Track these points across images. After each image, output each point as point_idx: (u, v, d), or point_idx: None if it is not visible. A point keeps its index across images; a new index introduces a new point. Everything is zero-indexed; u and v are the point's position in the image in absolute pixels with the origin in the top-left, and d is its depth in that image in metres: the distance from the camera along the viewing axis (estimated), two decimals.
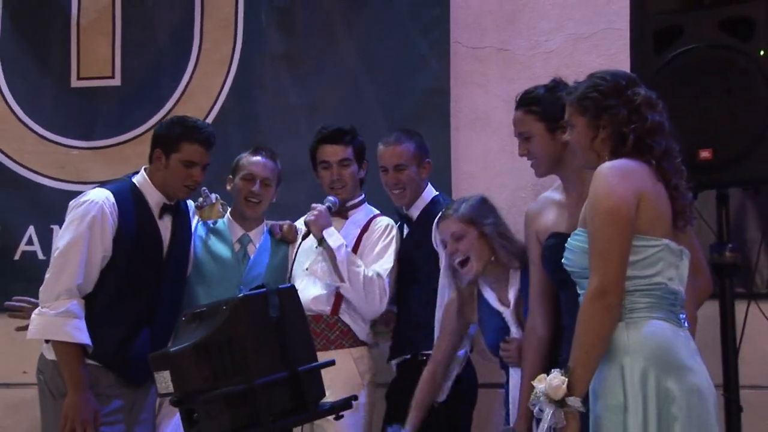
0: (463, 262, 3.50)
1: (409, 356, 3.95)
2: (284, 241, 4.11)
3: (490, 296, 3.56)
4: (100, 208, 3.65)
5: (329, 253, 3.84)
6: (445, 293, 3.69)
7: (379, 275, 3.87)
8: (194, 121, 3.95)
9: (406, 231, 4.10)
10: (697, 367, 2.69)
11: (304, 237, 3.92)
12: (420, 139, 4.08)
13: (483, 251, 3.49)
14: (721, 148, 3.46)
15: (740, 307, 3.70)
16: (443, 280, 3.67)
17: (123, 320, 3.71)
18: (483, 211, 3.53)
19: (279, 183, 4.10)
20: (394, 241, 3.97)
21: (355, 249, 3.96)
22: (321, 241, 3.85)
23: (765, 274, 4.24)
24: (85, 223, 3.63)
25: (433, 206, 3.99)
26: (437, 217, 3.73)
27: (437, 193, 4.10)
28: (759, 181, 3.68)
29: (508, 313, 3.51)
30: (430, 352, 3.76)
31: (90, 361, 3.65)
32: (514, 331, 3.48)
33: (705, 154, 3.43)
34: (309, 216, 3.87)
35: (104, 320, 3.67)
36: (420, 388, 3.61)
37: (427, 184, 4.09)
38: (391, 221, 4.05)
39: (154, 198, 3.82)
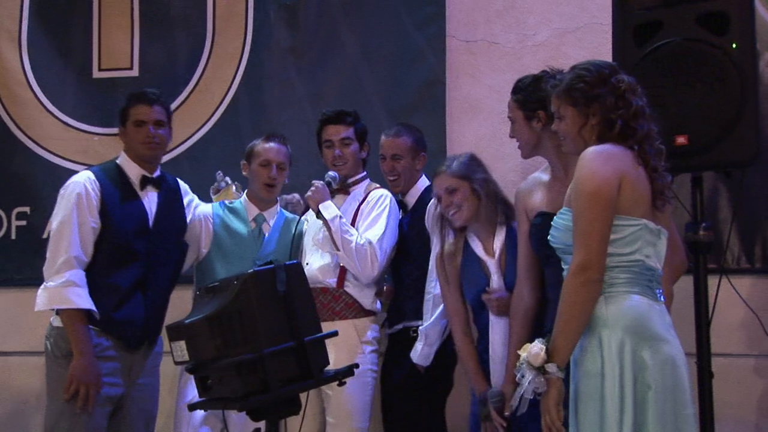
0: (456, 213, 3.54)
1: (401, 327, 3.97)
2: (294, 212, 4.13)
3: (476, 246, 3.59)
4: (83, 186, 3.72)
5: (325, 225, 3.86)
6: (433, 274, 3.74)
7: (370, 242, 3.86)
8: (142, 89, 4.04)
9: (402, 215, 4.11)
10: (670, 339, 2.70)
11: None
12: (419, 135, 4.11)
13: (473, 202, 3.52)
14: (696, 134, 3.45)
15: (712, 281, 3.70)
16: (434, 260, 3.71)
17: (116, 286, 3.73)
18: (473, 167, 3.59)
19: (290, 165, 4.12)
20: (387, 209, 3.96)
21: (353, 220, 3.97)
22: (319, 214, 3.86)
23: (735, 251, 4.24)
24: (72, 202, 3.69)
25: (426, 194, 4.01)
26: (429, 204, 3.82)
27: (429, 182, 4.08)
28: (731, 166, 3.67)
29: (491, 263, 3.53)
30: (420, 323, 3.78)
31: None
32: (495, 280, 3.51)
33: (681, 140, 3.42)
34: (308, 192, 3.89)
35: (99, 287, 3.70)
36: (461, 348, 3.60)
37: (422, 175, 4.11)
38: (386, 192, 4.04)
39: (133, 172, 3.85)
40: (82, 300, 3.62)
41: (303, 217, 4.11)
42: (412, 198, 4.08)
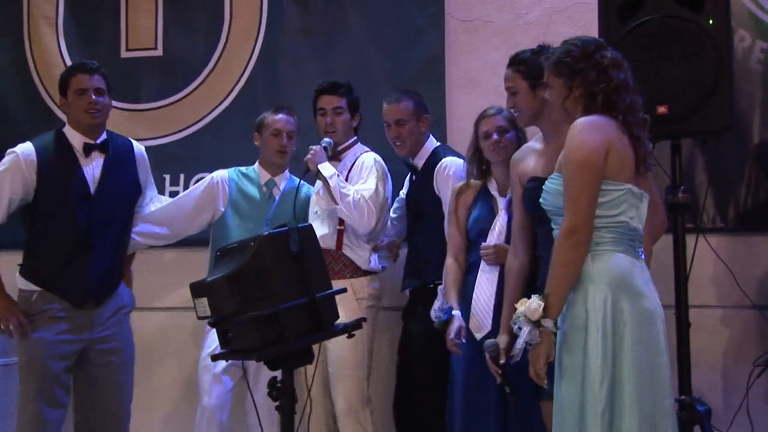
0: (503, 149, 3.55)
1: (418, 284, 3.94)
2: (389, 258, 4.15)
3: (492, 187, 3.61)
4: (17, 159, 3.67)
5: (324, 183, 3.85)
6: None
7: (364, 197, 3.84)
8: (81, 61, 4.03)
9: (413, 178, 4.08)
10: (649, 294, 2.70)
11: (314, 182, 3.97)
12: (419, 98, 4.06)
13: (513, 147, 3.51)
14: (675, 104, 3.44)
15: (690, 239, 3.68)
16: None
17: (59, 248, 3.69)
18: (515, 121, 3.57)
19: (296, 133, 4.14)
20: (372, 169, 3.94)
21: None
22: (318, 174, 3.85)
23: (711, 212, 4.21)
24: (1, 172, 3.67)
25: (434, 156, 3.97)
26: (437, 165, 3.83)
27: (438, 143, 4.07)
28: (707, 133, 3.68)
29: (501, 201, 3.55)
30: (438, 281, 3.75)
31: (36, 288, 3.67)
32: (501, 216, 3.52)
33: (662, 109, 3.41)
34: (307, 156, 3.88)
35: (43, 249, 3.69)
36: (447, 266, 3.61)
37: (429, 137, 4.06)
38: (372, 156, 4.02)
39: (76, 139, 3.77)
40: None
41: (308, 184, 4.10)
42: (420, 160, 4.01)
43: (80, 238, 3.69)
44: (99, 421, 3.75)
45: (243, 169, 4.19)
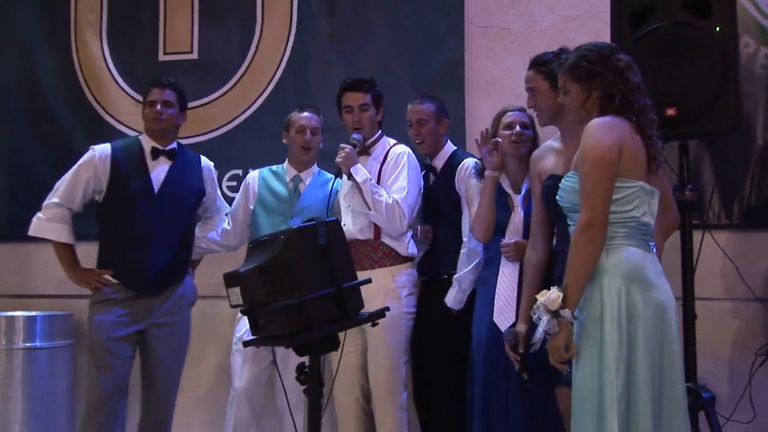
0: (522, 143, 3.56)
1: (434, 275, 3.93)
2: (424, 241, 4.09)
3: (506, 184, 3.60)
4: (94, 156, 3.87)
5: (357, 187, 3.82)
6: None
7: (397, 202, 3.82)
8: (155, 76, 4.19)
9: (432, 179, 4.06)
10: (661, 285, 2.68)
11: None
12: (441, 103, 4.05)
13: (530, 144, 3.56)
14: (683, 107, 3.42)
15: (696, 235, 3.67)
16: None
17: (123, 241, 3.83)
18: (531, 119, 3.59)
19: (322, 131, 4.14)
20: (406, 165, 3.91)
21: (378, 180, 3.92)
22: (350, 176, 3.83)
23: (716, 209, 4.17)
24: (79, 163, 3.88)
25: (453, 158, 3.97)
26: (459, 165, 3.83)
27: (455, 147, 4.06)
28: (714, 134, 3.66)
29: (516, 197, 3.54)
30: (453, 271, 3.74)
31: (110, 278, 3.80)
32: (518, 212, 3.52)
33: (670, 111, 3.38)
34: (338, 158, 3.84)
35: (110, 241, 3.85)
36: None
37: (447, 140, 4.05)
38: (404, 149, 3.98)
39: (148, 145, 3.92)
40: (60, 234, 3.82)
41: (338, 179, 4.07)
42: (439, 161, 4.00)
43: (142, 233, 3.81)
44: (151, 399, 3.88)
45: (274, 167, 4.19)
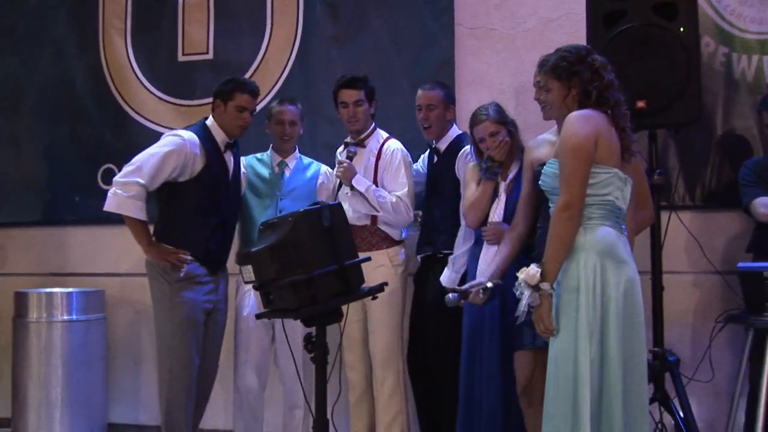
0: (498, 151, 3.45)
1: (430, 252, 3.87)
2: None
3: None
4: (185, 144, 3.63)
5: (362, 196, 3.79)
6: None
7: (399, 198, 3.79)
8: (243, 79, 3.97)
9: (435, 159, 3.96)
10: (630, 262, 2.68)
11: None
12: (449, 90, 3.98)
13: (508, 141, 3.46)
14: (652, 99, 3.41)
15: (664, 215, 3.66)
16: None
17: (206, 226, 3.70)
18: (503, 113, 3.50)
19: (303, 119, 4.07)
20: (401, 162, 3.87)
21: (375, 173, 3.88)
22: (352, 188, 3.79)
23: (681, 191, 4.13)
24: (168, 146, 3.62)
25: (457, 141, 3.88)
26: (460, 151, 3.73)
27: (461, 131, 3.96)
28: (679, 124, 3.64)
29: (503, 185, 3.47)
30: (448, 251, 3.69)
31: (190, 257, 3.66)
32: (502, 198, 3.44)
33: (641, 104, 3.37)
34: (337, 171, 3.81)
35: (195, 225, 3.68)
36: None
37: (453, 125, 3.96)
38: (397, 145, 3.93)
39: (220, 137, 3.79)
40: (142, 213, 3.57)
41: (324, 169, 4.05)
42: (443, 144, 3.90)
43: (221, 217, 3.74)
44: (210, 350, 3.80)
45: (258, 155, 4.11)
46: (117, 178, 3.63)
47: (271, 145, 4.12)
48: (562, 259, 2.61)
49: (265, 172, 4.04)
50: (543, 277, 2.59)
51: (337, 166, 3.86)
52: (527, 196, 3.21)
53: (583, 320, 2.56)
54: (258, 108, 4.14)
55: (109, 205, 3.57)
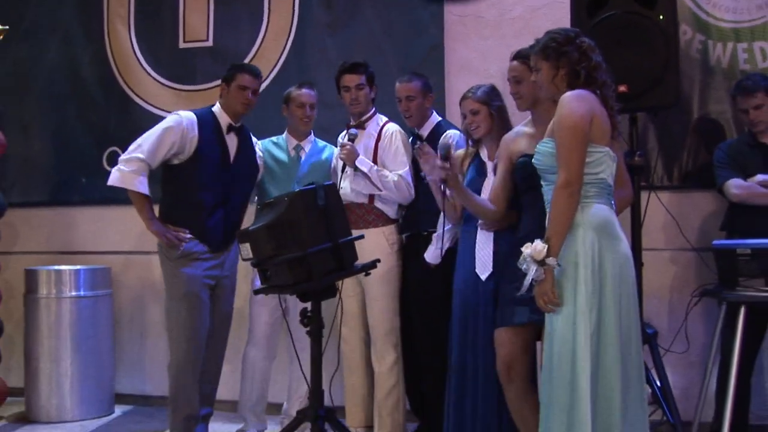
0: (476, 128, 3.39)
1: (415, 231, 3.84)
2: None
3: (483, 153, 3.44)
4: (181, 122, 3.64)
5: (365, 176, 3.74)
6: None
7: (400, 176, 3.75)
8: (243, 62, 4.00)
9: (418, 144, 3.93)
10: (623, 239, 2.66)
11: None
12: (426, 79, 3.92)
13: (489, 122, 3.37)
14: (633, 84, 3.36)
15: (644, 195, 3.64)
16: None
17: (205, 204, 3.65)
18: (492, 96, 3.41)
19: (318, 106, 4.05)
20: (400, 143, 3.84)
21: (375, 154, 3.83)
22: (356, 169, 3.75)
23: (660, 172, 4.11)
24: (166, 125, 3.63)
25: (438, 127, 3.85)
26: (442, 136, 3.66)
27: (440, 118, 3.95)
28: (658, 108, 3.63)
29: (490, 164, 3.40)
30: (431, 229, 3.64)
31: (189, 235, 3.63)
32: (489, 177, 3.35)
33: (622, 88, 3.28)
34: (341, 154, 3.76)
35: (191, 204, 3.64)
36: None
37: (432, 112, 3.92)
38: (395, 127, 3.89)
39: (223, 119, 3.75)
40: (146, 188, 3.57)
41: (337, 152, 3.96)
42: (425, 131, 3.86)
43: (220, 197, 3.69)
44: (218, 323, 3.76)
45: (274, 139, 4.06)
46: (120, 157, 3.66)
47: (286, 128, 4.07)
48: (564, 234, 2.56)
49: (282, 155, 4.00)
50: (548, 251, 2.54)
51: (339, 148, 3.81)
52: (502, 180, 3.14)
53: (582, 294, 2.53)
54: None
55: (113, 180, 3.60)
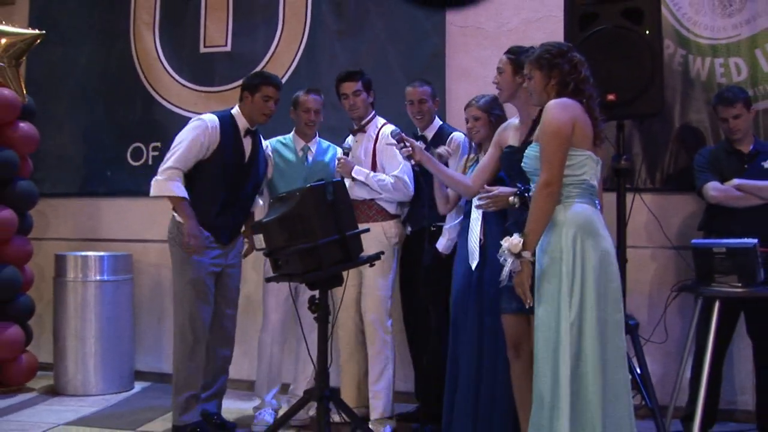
0: (476, 134, 3.44)
1: (419, 226, 3.79)
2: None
3: (482, 158, 3.43)
4: (207, 125, 3.63)
5: (363, 183, 3.73)
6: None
7: (397, 177, 3.72)
8: (268, 73, 3.94)
9: (423, 146, 3.88)
10: (606, 235, 2.65)
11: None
12: (433, 86, 3.93)
13: (488, 128, 3.40)
14: (620, 93, 3.35)
15: (629, 196, 3.59)
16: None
17: (218, 201, 3.65)
18: (493, 105, 3.44)
19: (325, 107, 4.02)
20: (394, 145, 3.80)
21: (374, 156, 3.81)
22: (353, 180, 3.73)
23: (644, 175, 4.10)
24: (194, 131, 3.62)
25: (441, 130, 3.85)
26: (449, 137, 3.71)
27: (442, 122, 3.95)
28: (643, 116, 3.60)
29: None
30: (440, 223, 3.62)
31: (205, 244, 3.63)
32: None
33: (611, 97, 3.31)
34: (338, 168, 3.75)
35: (204, 199, 3.63)
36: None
37: (435, 116, 3.92)
38: (389, 129, 3.81)
39: (241, 123, 3.73)
40: (180, 191, 3.56)
41: (340, 152, 3.93)
42: (430, 133, 3.86)
43: (231, 195, 3.68)
44: (224, 307, 3.77)
45: (282, 138, 4.02)
46: (159, 168, 3.64)
47: (293, 129, 4.03)
48: (541, 230, 2.58)
49: (290, 155, 3.96)
50: (524, 246, 2.57)
51: (336, 163, 3.79)
52: (486, 166, 3.18)
53: (565, 287, 2.54)
54: None
55: (153, 191, 3.62)
